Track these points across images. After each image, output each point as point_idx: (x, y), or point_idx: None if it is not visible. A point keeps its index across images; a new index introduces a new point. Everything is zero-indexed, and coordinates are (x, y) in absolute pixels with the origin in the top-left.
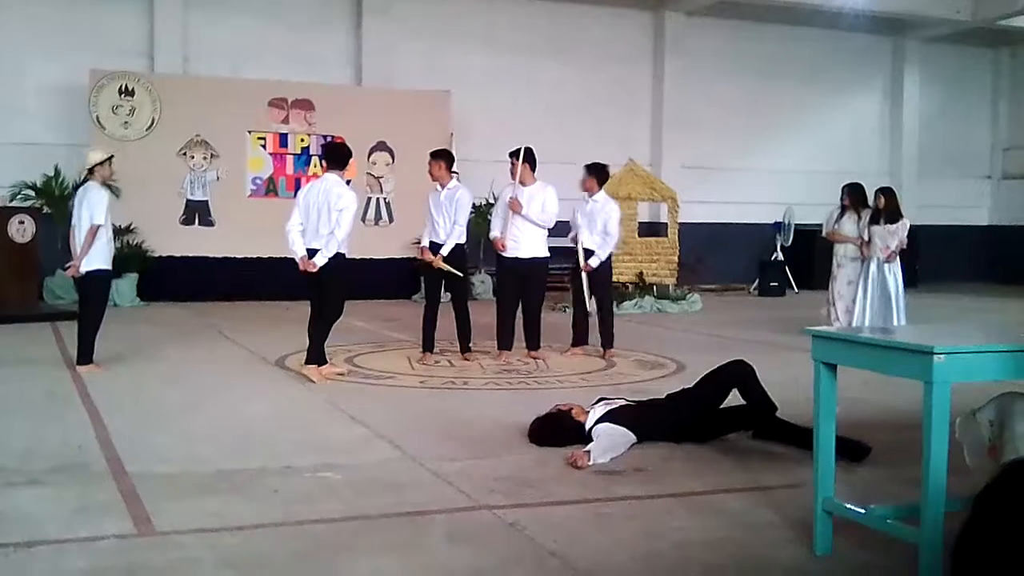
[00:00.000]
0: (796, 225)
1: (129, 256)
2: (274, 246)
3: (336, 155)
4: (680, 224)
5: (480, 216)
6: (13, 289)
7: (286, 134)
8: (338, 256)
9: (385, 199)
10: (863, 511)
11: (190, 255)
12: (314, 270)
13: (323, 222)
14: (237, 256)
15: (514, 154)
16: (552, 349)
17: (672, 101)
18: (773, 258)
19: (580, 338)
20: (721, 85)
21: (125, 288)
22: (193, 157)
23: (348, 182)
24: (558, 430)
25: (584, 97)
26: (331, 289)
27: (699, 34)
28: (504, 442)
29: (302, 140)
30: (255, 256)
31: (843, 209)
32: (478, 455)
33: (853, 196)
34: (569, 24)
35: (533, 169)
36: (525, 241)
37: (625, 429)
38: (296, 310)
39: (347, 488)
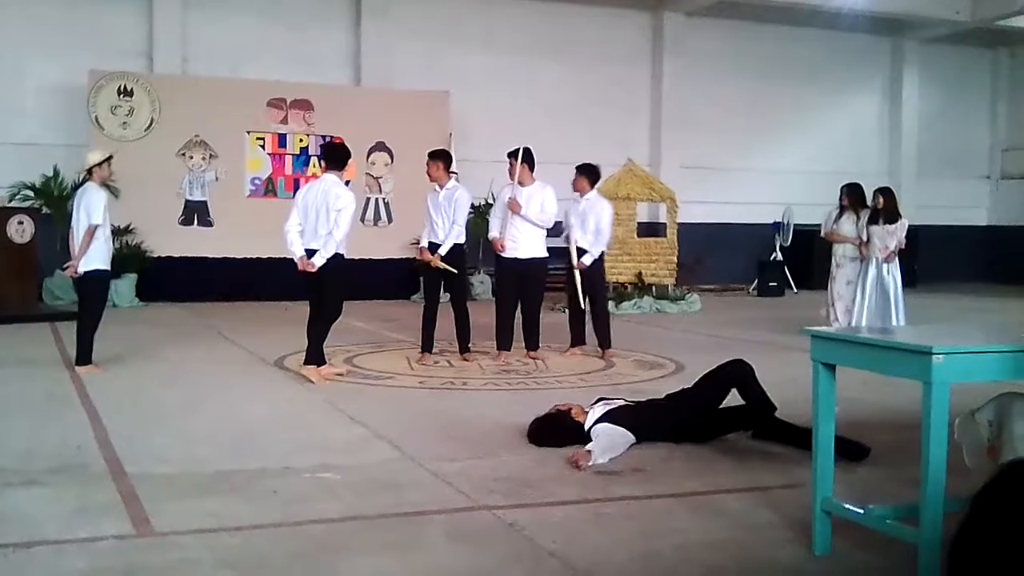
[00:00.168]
0: (795, 225)
1: (128, 256)
2: (273, 246)
3: (335, 155)
4: (679, 224)
5: (479, 216)
6: (12, 289)
7: (285, 134)
8: (337, 256)
9: (384, 199)
10: (862, 511)
11: (189, 255)
12: (313, 270)
13: (322, 222)
14: (236, 256)
15: (513, 154)
16: (551, 349)
17: (671, 101)
18: (772, 258)
19: (578, 338)
20: (720, 85)
21: (124, 288)
22: (192, 157)
23: (347, 183)
24: (557, 430)
25: (583, 97)
26: (330, 289)
27: (698, 34)
28: (503, 442)
29: (301, 140)
30: (254, 256)
31: (842, 209)
32: (477, 455)
33: (852, 196)
34: (568, 24)
35: (532, 169)
36: (524, 241)
37: (624, 430)
38: (295, 310)
39: (346, 488)
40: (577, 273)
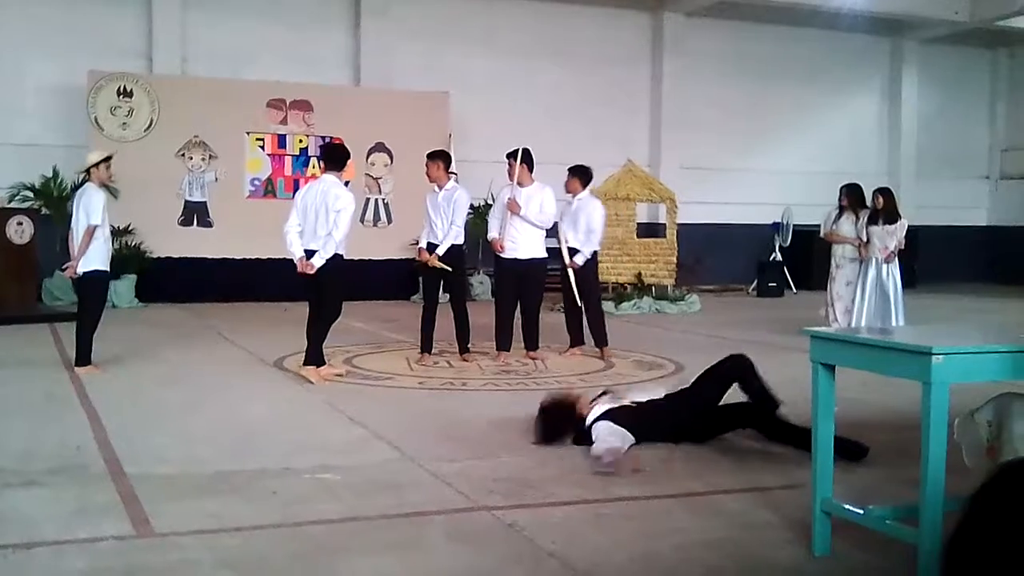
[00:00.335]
0: (794, 226)
1: (127, 257)
2: (272, 247)
3: (334, 156)
4: (679, 225)
5: (479, 217)
6: (11, 290)
7: (284, 135)
8: (336, 257)
9: (384, 200)
10: (862, 512)
11: (188, 256)
12: (312, 271)
13: (321, 223)
14: (236, 257)
15: (512, 155)
16: (551, 350)
17: (671, 102)
18: (772, 259)
19: (577, 339)
20: (720, 86)
21: (123, 289)
22: (191, 158)
23: (347, 183)
24: (561, 421)
25: (582, 98)
26: (329, 290)
27: (698, 35)
28: (503, 443)
29: (300, 141)
30: (253, 257)
31: (841, 210)
32: (477, 456)
33: (851, 197)
34: (568, 25)
35: (531, 170)
36: (523, 242)
37: (624, 430)
38: (295, 311)
39: (346, 489)
40: (571, 272)
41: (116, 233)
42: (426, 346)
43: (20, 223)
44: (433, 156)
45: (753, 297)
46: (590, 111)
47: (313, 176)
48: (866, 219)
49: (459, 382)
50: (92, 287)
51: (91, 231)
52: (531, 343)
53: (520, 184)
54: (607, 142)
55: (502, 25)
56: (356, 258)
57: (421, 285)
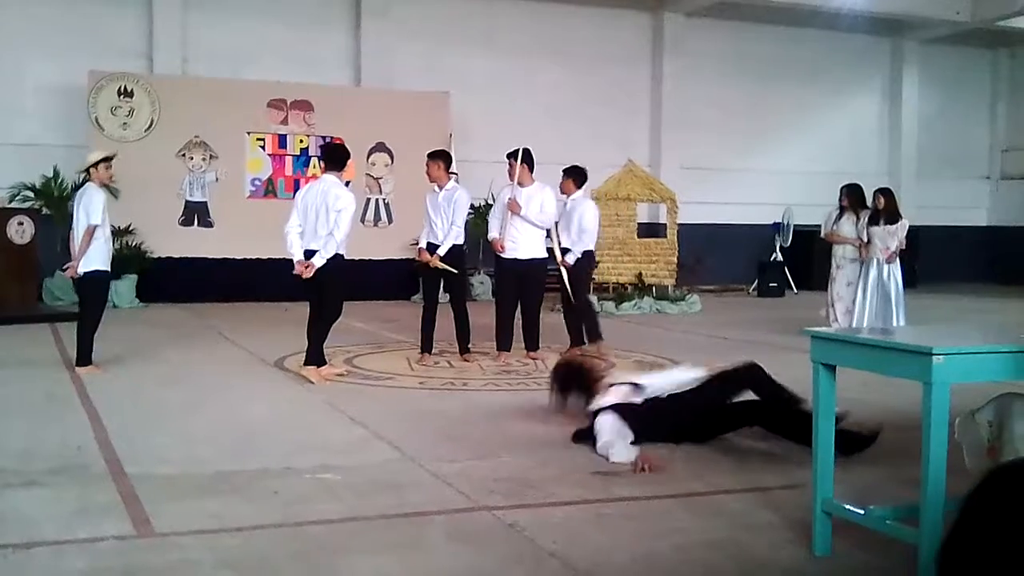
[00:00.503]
0: (795, 226)
1: (128, 257)
2: (273, 247)
3: (334, 156)
4: (679, 225)
5: (479, 217)
6: (12, 290)
7: (285, 135)
8: (337, 257)
9: (384, 200)
10: (862, 512)
11: (189, 256)
12: (310, 273)
13: (321, 223)
14: (236, 257)
15: (512, 155)
16: (551, 350)
17: (671, 102)
18: (772, 259)
19: (577, 339)
20: (720, 86)
21: (124, 289)
22: (192, 158)
23: (347, 183)
24: (579, 383)
25: (583, 98)
26: (330, 290)
27: (698, 35)
28: (503, 443)
29: (301, 141)
30: (254, 257)
31: (842, 210)
32: (477, 456)
33: (852, 197)
34: (568, 25)
35: (531, 170)
36: (523, 242)
37: (627, 429)
38: (295, 311)
39: (346, 489)
40: (564, 271)
41: (117, 233)
42: (426, 346)
43: (21, 223)
44: (433, 156)
45: (754, 297)
46: (590, 111)
47: (314, 176)
48: (867, 219)
49: (460, 382)
50: (93, 287)
51: (91, 231)
52: (531, 343)
53: (520, 184)
54: (607, 142)
55: (502, 25)
56: (356, 258)
57: (421, 285)
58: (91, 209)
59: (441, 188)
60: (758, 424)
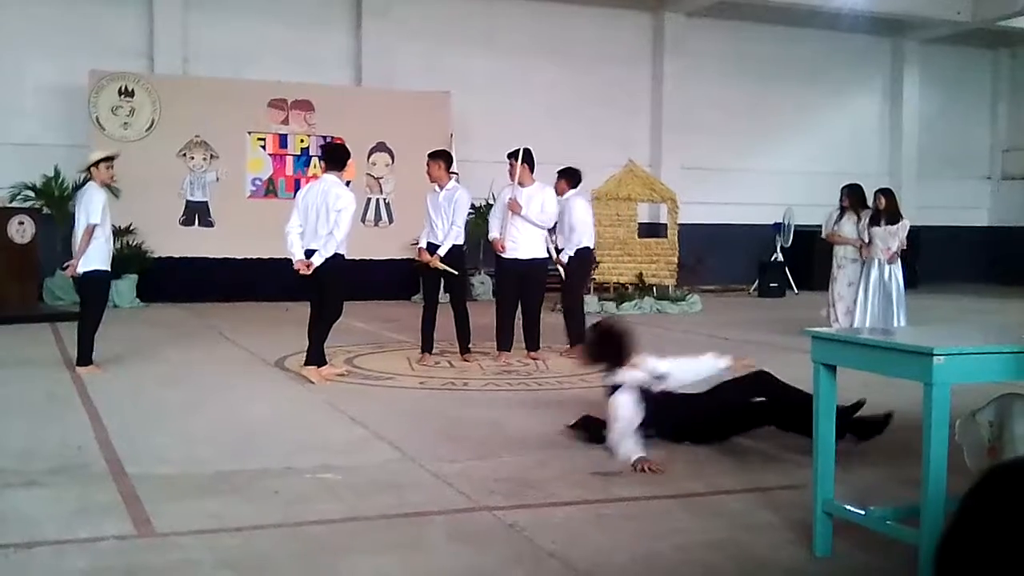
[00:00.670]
0: (796, 226)
1: (129, 257)
2: (274, 247)
3: (335, 156)
4: (680, 225)
5: (480, 217)
6: (13, 290)
7: (286, 135)
8: (337, 257)
9: (385, 200)
10: (863, 512)
11: (190, 256)
12: (309, 272)
13: (322, 223)
14: (237, 257)
15: (513, 155)
16: (551, 350)
17: (671, 102)
18: (773, 259)
19: (577, 339)
20: (720, 86)
21: (125, 289)
22: (193, 158)
23: (347, 183)
24: (613, 349)
25: (583, 98)
26: (330, 290)
27: (698, 35)
28: (504, 443)
29: (302, 141)
30: (255, 257)
31: (842, 210)
32: (478, 456)
33: (852, 197)
34: (568, 25)
35: (532, 170)
36: (524, 242)
37: (640, 415)
38: (296, 311)
39: (347, 489)
40: (561, 269)
41: (117, 233)
42: (427, 346)
43: (21, 223)
44: (434, 156)
45: (754, 297)
46: (591, 111)
47: (314, 176)
48: (868, 220)
49: (460, 382)
50: (93, 287)
51: (90, 230)
52: (532, 343)
53: (521, 184)
54: (608, 142)
55: (503, 25)
56: (357, 258)
57: (421, 285)
58: (91, 209)
59: (442, 188)
60: (772, 423)
